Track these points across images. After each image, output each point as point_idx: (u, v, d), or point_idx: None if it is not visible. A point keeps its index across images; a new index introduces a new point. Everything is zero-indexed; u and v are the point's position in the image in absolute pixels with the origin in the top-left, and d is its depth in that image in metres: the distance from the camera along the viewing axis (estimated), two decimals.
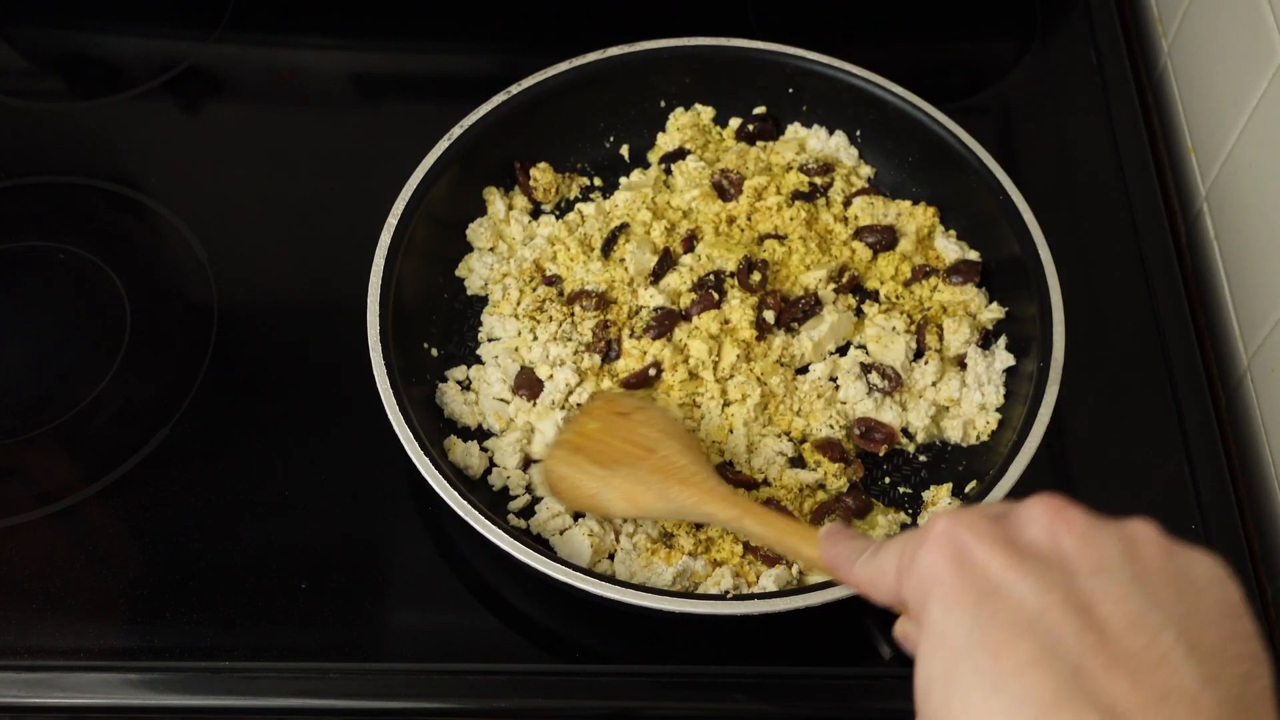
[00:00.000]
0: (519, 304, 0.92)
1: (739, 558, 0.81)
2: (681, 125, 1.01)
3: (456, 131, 0.93)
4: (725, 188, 0.97)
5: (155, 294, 0.96)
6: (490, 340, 0.92)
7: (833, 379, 0.89)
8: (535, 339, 0.90)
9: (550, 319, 0.90)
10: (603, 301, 0.90)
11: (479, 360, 0.91)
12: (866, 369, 0.88)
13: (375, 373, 0.81)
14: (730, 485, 0.78)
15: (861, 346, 0.91)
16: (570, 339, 0.89)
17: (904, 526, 0.83)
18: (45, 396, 0.90)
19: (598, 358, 0.88)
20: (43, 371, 0.92)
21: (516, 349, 0.90)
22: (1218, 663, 0.43)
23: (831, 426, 0.86)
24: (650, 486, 0.76)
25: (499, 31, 1.13)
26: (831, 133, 1.01)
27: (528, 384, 0.88)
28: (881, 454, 0.86)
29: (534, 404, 0.87)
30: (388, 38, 1.13)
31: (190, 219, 1.00)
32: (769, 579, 0.79)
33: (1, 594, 0.82)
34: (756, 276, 0.90)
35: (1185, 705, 0.41)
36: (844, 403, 0.88)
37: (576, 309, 0.90)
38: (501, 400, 0.88)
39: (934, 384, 0.89)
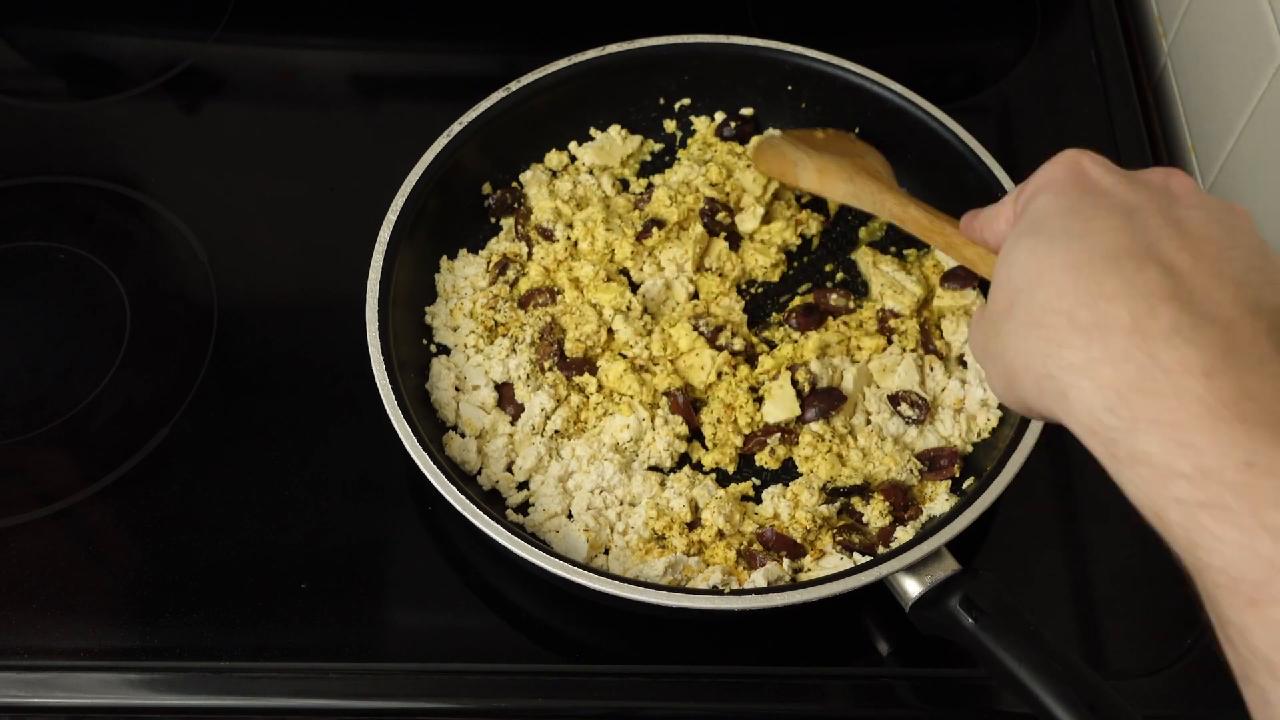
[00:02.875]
0: (475, 302, 0.91)
1: (732, 562, 0.81)
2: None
3: (456, 128, 0.93)
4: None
5: (155, 294, 0.96)
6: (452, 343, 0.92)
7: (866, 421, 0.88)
8: (485, 348, 0.90)
9: (501, 324, 0.91)
10: (551, 296, 0.91)
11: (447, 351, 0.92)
12: (895, 401, 0.87)
13: (374, 370, 0.81)
14: (902, 193, 0.87)
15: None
16: (520, 343, 0.89)
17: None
18: (45, 396, 0.90)
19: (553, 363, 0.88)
20: (43, 371, 0.92)
21: (469, 357, 0.90)
22: (1268, 282, 0.50)
23: (909, 471, 0.85)
24: (844, 171, 0.89)
25: (498, 31, 1.13)
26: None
27: (510, 402, 0.88)
28: (957, 475, 0.85)
29: (514, 426, 0.87)
30: (388, 38, 1.13)
31: (190, 219, 1.00)
32: (759, 576, 0.79)
33: (1, 594, 0.82)
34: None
35: (1231, 284, 0.49)
36: (890, 439, 0.86)
37: (529, 309, 0.91)
38: (480, 409, 0.88)
39: (943, 389, 0.89)
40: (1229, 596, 0.44)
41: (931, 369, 0.89)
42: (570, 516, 0.83)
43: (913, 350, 0.89)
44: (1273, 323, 0.49)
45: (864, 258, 0.95)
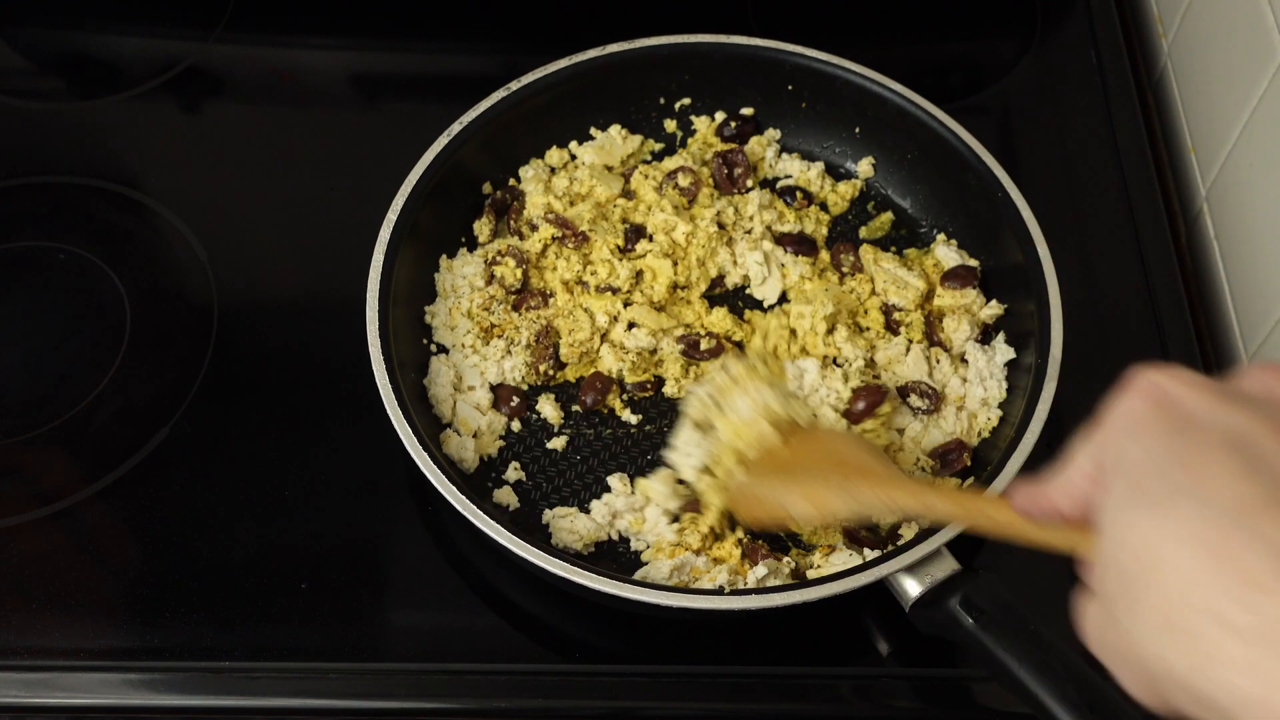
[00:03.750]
0: (472, 302, 0.92)
1: (737, 558, 0.81)
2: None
3: (456, 128, 0.93)
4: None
5: (155, 294, 0.96)
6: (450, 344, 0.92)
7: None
8: (481, 349, 0.90)
9: (497, 326, 0.91)
10: (544, 300, 0.91)
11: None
12: (904, 392, 0.87)
13: (374, 370, 0.81)
14: (911, 476, 0.77)
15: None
16: (515, 345, 0.90)
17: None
18: (45, 396, 0.90)
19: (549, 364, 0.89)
20: (43, 371, 0.92)
21: (467, 356, 0.90)
22: None
23: (921, 469, 0.85)
24: (833, 486, 0.75)
25: (498, 31, 1.13)
26: (811, 162, 1.01)
27: (506, 403, 0.88)
28: (969, 464, 0.85)
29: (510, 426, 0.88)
30: (388, 38, 1.13)
31: (190, 219, 1.00)
32: (760, 569, 0.79)
33: (1, 594, 0.82)
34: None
35: None
36: (900, 431, 0.87)
37: (522, 311, 0.91)
38: (476, 409, 0.88)
39: (944, 386, 0.89)
40: None
41: (938, 361, 0.89)
42: (588, 511, 0.84)
43: (919, 342, 0.90)
44: None
45: (865, 255, 0.95)
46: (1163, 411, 0.44)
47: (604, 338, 0.90)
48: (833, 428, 0.86)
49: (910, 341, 0.90)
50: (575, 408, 0.89)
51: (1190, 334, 0.93)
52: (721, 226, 0.95)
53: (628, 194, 0.97)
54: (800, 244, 0.95)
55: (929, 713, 0.78)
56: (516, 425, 0.88)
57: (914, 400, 0.87)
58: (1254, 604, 0.38)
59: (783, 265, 0.94)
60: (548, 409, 0.88)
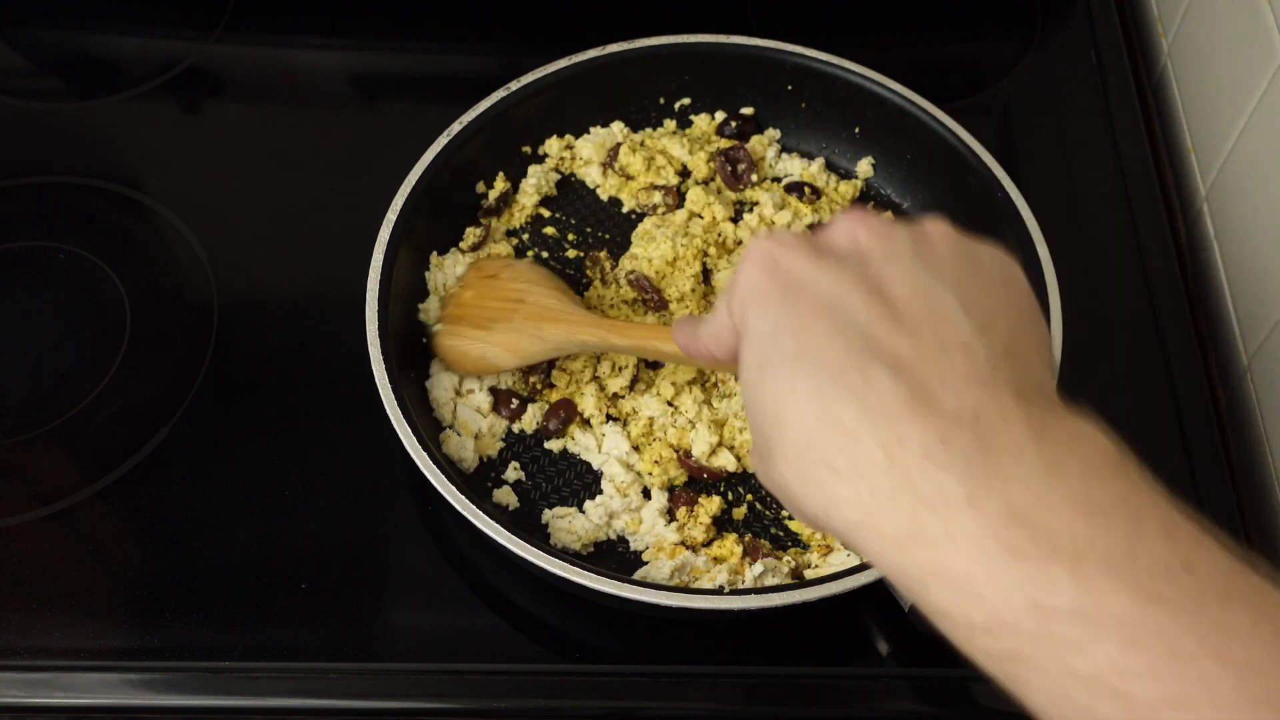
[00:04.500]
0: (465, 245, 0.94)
1: (738, 557, 0.81)
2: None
3: (456, 128, 0.93)
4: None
5: (155, 294, 0.96)
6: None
7: None
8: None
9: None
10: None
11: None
12: None
13: (374, 370, 0.81)
14: (598, 313, 0.82)
15: None
16: None
17: None
18: (45, 396, 0.90)
19: None
20: (43, 371, 0.92)
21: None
22: (991, 317, 0.47)
23: None
24: (525, 333, 0.83)
25: (498, 31, 1.13)
26: (811, 156, 1.01)
27: (506, 406, 0.88)
28: None
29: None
30: (388, 38, 1.13)
31: (190, 219, 1.00)
32: (758, 568, 0.79)
33: (1, 594, 0.82)
34: None
35: (961, 352, 0.46)
36: None
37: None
38: (477, 411, 0.88)
39: None
40: None
41: None
42: (582, 510, 0.84)
43: None
44: (1011, 376, 0.46)
45: None
46: (775, 278, 0.50)
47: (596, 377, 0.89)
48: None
49: None
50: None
51: (1190, 334, 0.93)
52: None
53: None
54: None
55: (929, 713, 0.78)
56: (518, 427, 0.88)
57: None
58: (848, 448, 0.44)
59: None
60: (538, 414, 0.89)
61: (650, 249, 0.93)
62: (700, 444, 0.84)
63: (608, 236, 0.98)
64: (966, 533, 0.42)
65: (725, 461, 0.84)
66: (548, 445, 0.87)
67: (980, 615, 0.42)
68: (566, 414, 0.86)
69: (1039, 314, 0.51)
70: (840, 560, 0.80)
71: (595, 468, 0.86)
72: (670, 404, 0.86)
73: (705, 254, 0.94)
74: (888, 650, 0.80)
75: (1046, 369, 0.49)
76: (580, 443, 0.87)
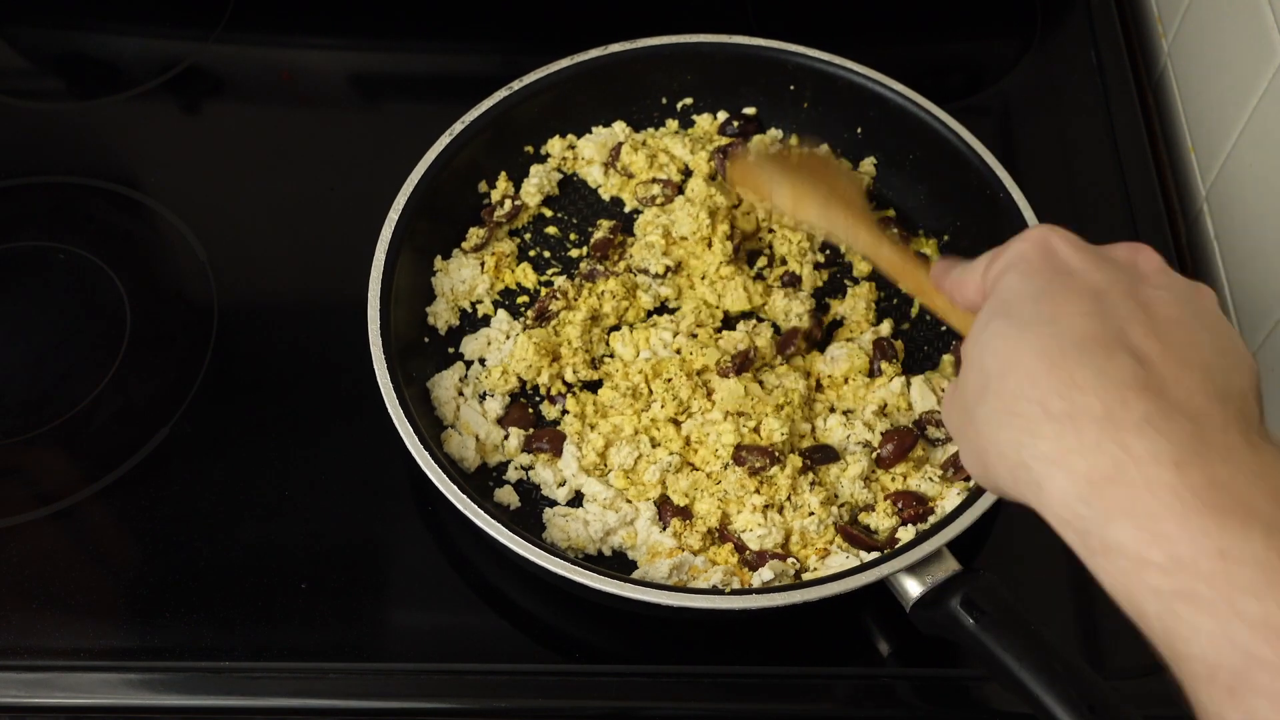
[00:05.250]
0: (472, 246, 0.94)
1: (735, 563, 0.81)
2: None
3: (458, 127, 0.93)
4: None
5: (155, 294, 0.96)
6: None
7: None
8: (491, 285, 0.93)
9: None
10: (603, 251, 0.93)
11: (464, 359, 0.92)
12: (920, 425, 0.87)
13: (375, 370, 0.81)
14: (875, 226, 0.83)
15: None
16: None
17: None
18: (45, 396, 0.90)
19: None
20: (43, 371, 0.92)
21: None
22: (1233, 369, 0.51)
23: (929, 480, 0.84)
24: (819, 199, 0.84)
25: (499, 31, 1.13)
26: (813, 147, 1.01)
27: (521, 419, 0.87)
28: None
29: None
30: (388, 38, 1.13)
31: (190, 219, 0.99)
32: (765, 572, 0.79)
33: (1, 594, 0.82)
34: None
35: (1199, 371, 0.49)
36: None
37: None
38: (481, 415, 0.88)
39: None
40: (1206, 687, 0.44)
41: (942, 389, 0.88)
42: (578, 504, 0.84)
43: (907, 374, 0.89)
44: (1240, 409, 0.49)
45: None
46: (1045, 258, 0.55)
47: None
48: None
49: (895, 375, 0.89)
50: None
51: None
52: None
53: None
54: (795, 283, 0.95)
55: (929, 713, 0.78)
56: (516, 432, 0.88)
57: (931, 431, 0.86)
58: (1069, 396, 0.49)
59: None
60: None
61: (658, 230, 0.94)
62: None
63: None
64: (1165, 484, 0.46)
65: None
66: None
67: (1160, 553, 0.45)
68: (553, 442, 0.86)
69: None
70: (836, 562, 0.80)
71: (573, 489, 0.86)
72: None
73: (732, 221, 0.95)
74: (888, 650, 0.80)
75: (1259, 417, 0.52)
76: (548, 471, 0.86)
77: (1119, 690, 0.66)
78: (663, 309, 0.93)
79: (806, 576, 0.80)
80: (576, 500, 0.85)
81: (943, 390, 0.88)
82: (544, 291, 0.93)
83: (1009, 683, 0.67)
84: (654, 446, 0.86)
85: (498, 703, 0.78)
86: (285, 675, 0.79)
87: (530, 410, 0.88)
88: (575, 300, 0.92)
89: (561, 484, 0.85)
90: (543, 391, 0.89)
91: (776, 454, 0.83)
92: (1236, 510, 0.45)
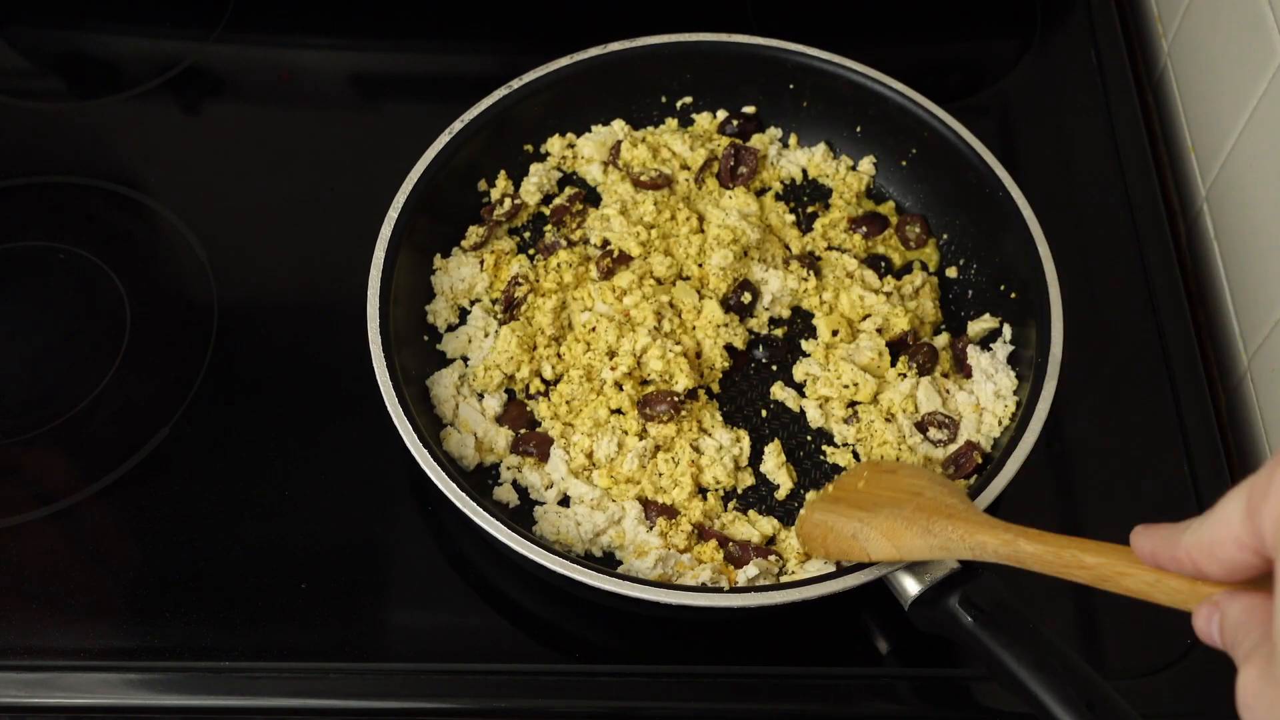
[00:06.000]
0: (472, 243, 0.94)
1: (721, 560, 0.81)
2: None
3: (458, 126, 0.93)
4: None
5: (155, 294, 0.96)
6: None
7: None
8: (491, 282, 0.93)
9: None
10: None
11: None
12: (923, 427, 0.86)
13: (375, 369, 0.81)
14: (995, 519, 0.73)
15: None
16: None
17: None
18: (45, 396, 0.90)
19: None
20: (43, 371, 0.92)
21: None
22: None
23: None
24: (913, 523, 0.72)
25: (498, 31, 1.13)
26: (812, 145, 1.01)
27: (527, 430, 0.87)
28: (980, 462, 0.84)
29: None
30: (388, 38, 1.13)
31: (190, 219, 1.00)
32: (751, 569, 0.79)
33: (1, 594, 0.82)
34: None
35: None
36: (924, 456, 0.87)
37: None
38: (480, 414, 0.88)
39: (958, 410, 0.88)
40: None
41: (947, 390, 0.88)
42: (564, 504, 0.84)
43: (922, 376, 0.89)
44: None
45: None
46: None
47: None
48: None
49: (906, 375, 0.89)
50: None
51: (1190, 334, 0.93)
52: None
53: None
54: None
55: (929, 712, 0.78)
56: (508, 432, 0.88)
57: (933, 433, 0.86)
58: None
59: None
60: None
61: (617, 204, 0.94)
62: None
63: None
64: None
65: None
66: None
67: None
68: (540, 445, 0.86)
69: None
70: (814, 567, 0.80)
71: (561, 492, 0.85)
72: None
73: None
74: (887, 649, 0.80)
75: None
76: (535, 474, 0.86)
77: (1119, 690, 0.66)
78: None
79: (786, 578, 0.80)
80: (564, 502, 0.85)
81: (947, 392, 0.88)
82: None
83: (1007, 681, 0.67)
84: (625, 434, 0.86)
85: (498, 703, 0.78)
86: (285, 675, 0.79)
87: (528, 409, 0.88)
88: (538, 283, 0.92)
89: (549, 486, 0.85)
90: (520, 389, 0.89)
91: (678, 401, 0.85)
92: None
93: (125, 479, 0.87)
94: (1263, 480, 0.42)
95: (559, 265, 0.92)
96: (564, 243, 0.94)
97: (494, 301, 0.93)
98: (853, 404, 0.88)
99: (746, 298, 0.91)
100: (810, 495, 0.85)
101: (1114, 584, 0.56)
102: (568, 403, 0.87)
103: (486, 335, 0.91)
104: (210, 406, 0.90)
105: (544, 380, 0.89)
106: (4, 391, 0.91)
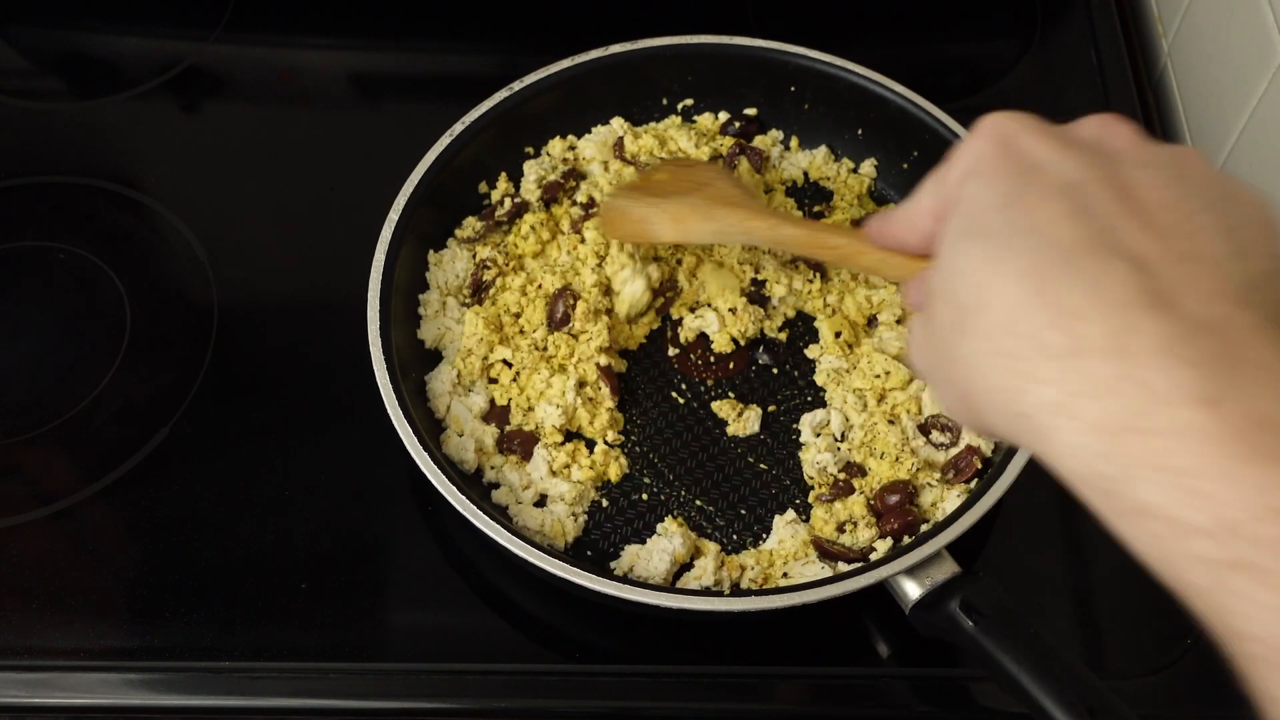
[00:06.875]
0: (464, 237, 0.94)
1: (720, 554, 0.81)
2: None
3: (458, 128, 0.93)
4: None
5: (155, 294, 0.96)
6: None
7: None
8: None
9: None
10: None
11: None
12: (925, 430, 0.86)
13: (375, 369, 0.81)
14: (770, 208, 0.80)
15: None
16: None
17: None
18: (45, 396, 0.90)
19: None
20: (43, 371, 0.92)
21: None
22: (1246, 247, 0.43)
23: (930, 485, 0.84)
24: (697, 208, 0.80)
25: (499, 31, 1.13)
26: (813, 148, 1.01)
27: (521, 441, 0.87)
28: (979, 467, 0.84)
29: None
30: (388, 38, 1.13)
31: (190, 219, 1.00)
32: (749, 558, 0.79)
33: (1, 594, 0.82)
34: None
35: (1209, 266, 0.42)
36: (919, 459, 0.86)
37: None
38: (469, 411, 0.88)
39: None
40: (1269, 670, 0.37)
41: None
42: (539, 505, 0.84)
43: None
44: (1264, 299, 0.42)
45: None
46: (1007, 154, 0.47)
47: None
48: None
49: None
50: None
51: None
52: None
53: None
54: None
55: (929, 713, 0.79)
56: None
57: (936, 436, 0.86)
58: (1069, 328, 0.41)
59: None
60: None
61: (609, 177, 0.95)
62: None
63: None
64: (1199, 427, 0.38)
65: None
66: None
67: (1204, 517, 0.38)
68: (524, 442, 0.86)
69: None
70: (812, 571, 0.80)
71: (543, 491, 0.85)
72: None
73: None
74: (887, 652, 0.80)
75: None
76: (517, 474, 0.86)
77: (1119, 691, 0.66)
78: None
79: (782, 582, 0.80)
80: (541, 502, 0.85)
81: None
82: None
83: (1008, 685, 0.67)
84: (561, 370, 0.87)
85: (498, 703, 0.78)
86: (285, 675, 0.79)
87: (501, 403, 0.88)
88: (506, 265, 0.92)
89: (527, 488, 0.84)
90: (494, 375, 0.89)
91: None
92: None
93: (125, 479, 0.87)
94: (950, 158, 0.51)
95: (532, 228, 0.93)
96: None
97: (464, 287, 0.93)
98: (881, 396, 0.88)
99: (767, 290, 0.92)
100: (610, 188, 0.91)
101: (854, 262, 0.66)
102: (516, 375, 0.88)
103: (458, 322, 0.91)
104: (210, 406, 0.90)
105: (508, 364, 0.89)
106: (4, 391, 0.91)
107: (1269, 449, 0.37)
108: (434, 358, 0.90)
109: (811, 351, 0.91)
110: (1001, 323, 0.43)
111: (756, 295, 0.92)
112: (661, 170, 0.88)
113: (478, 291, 0.91)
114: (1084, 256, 0.42)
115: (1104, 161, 0.46)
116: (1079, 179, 0.45)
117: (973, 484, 0.83)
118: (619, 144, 0.99)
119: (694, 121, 1.02)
